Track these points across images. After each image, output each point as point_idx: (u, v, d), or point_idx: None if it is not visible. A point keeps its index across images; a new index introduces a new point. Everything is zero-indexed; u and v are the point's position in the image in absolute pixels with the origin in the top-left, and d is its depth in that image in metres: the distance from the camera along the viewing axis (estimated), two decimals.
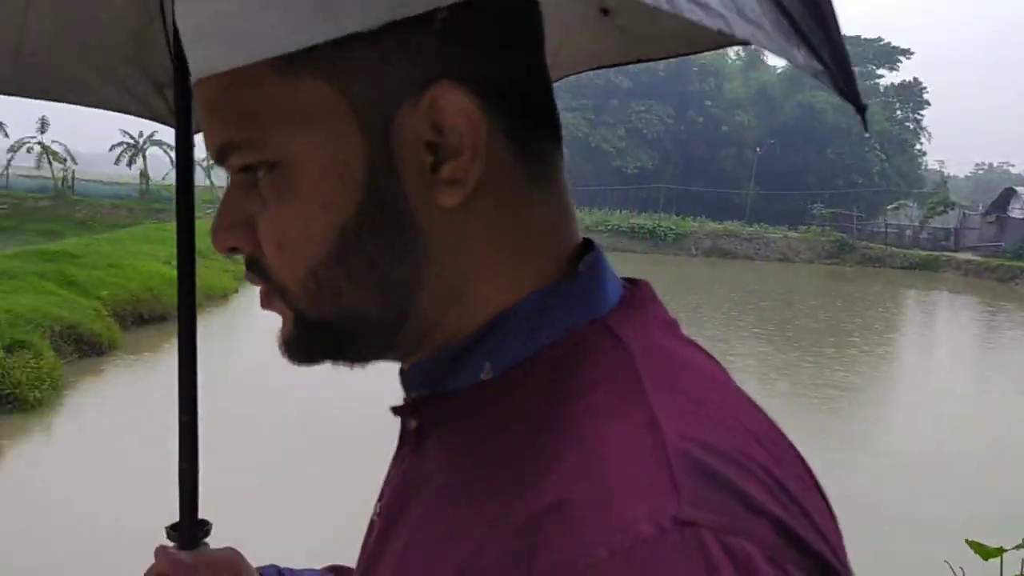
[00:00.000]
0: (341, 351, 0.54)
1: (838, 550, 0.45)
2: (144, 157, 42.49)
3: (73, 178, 40.07)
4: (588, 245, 0.54)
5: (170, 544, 0.81)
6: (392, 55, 0.46)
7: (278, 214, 0.49)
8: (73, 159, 41.64)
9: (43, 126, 41.40)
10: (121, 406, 9.11)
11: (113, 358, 10.78)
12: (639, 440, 0.42)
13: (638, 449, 0.41)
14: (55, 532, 5.58)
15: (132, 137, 43.26)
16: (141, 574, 0.76)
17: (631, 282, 0.54)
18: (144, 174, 40.53)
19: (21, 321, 9.47)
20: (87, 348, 10.47)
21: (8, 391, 8.12)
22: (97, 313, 11.21)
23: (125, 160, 43.24)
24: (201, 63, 0.49)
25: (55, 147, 40.68)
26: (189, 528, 0.79)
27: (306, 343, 0.53)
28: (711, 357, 0.52)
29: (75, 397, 9.10)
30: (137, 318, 12.48)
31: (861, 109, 0.41)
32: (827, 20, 0.40)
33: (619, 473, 0.40)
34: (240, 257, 0.53)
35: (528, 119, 0.51)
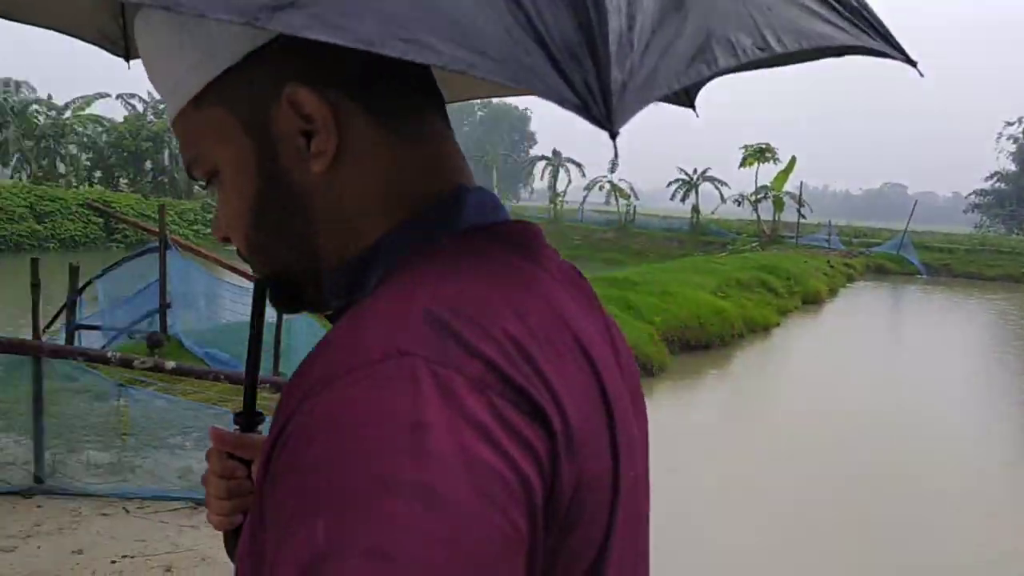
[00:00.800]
0: (299, 299, 0.70)
1: (569, 411, 0.51)
2: (696, 192, 45.45)
3: (634, 212, 44.69)
4: (465, 188, 0.65)
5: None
6: (255, 76, 0.61)
7: (223, 205, 0.68)
8: (635, 195, 46.49)
9: (613, 166, 47.03)
10: (663, 425, 9.72)
11: (661, 380, 11.54)
12: (394, 306, 0.54)
13: (389, 310, 0.54)
14: None
15: (687, 174, 46.63)
16: None
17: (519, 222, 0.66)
18: (695, 208, 43.22)
19: None
20: (641, 369, 11.39)
21: None
22: (650, 337, 12.14)
23: (679, 195, 46.73)
24: (167, 113, 0.67)
25: (621, 184, 45.85)
26: (247, 416, 0.92)
27: (276, 296, 0.71)
28: (562, 279, 0.64)
29: None
30: (684, 344, 13.19)
31: (613, 136, 0.43)
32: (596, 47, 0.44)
33: (369, 325, 0.53)
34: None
35: (378, 93, 0.63)
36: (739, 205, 43.74)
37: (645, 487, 0.69)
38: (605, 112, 0.43)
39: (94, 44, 1.19)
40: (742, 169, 39.28)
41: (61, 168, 43.07)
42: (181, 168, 43.08)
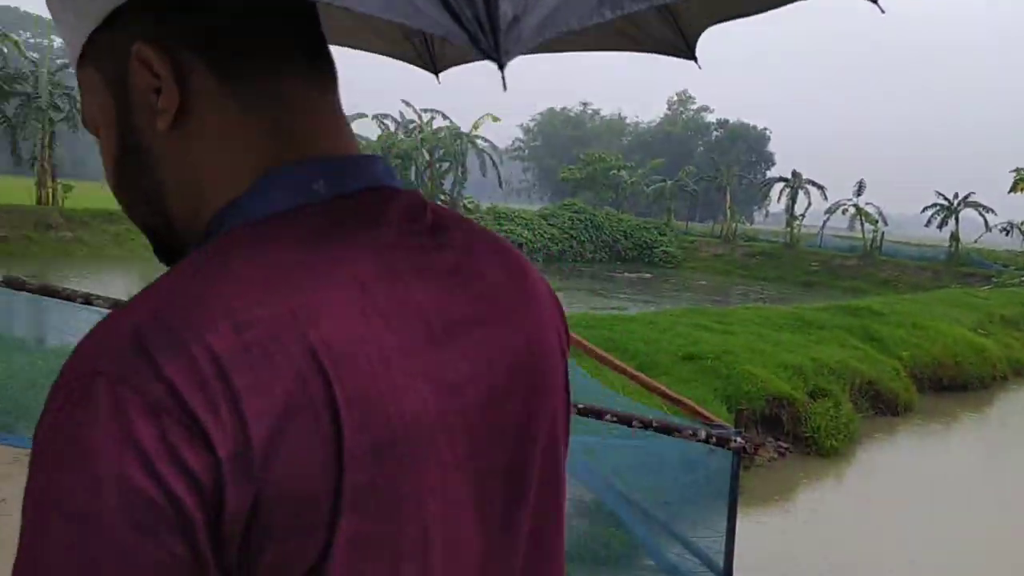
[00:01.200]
0: (164, 253, 0.70)
1: (254, 432, 0.50)
2: (956, 219, 41.41)
3: (882, 239, 41.48)
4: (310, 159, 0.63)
5: None
6: (115, 36, 0.63)
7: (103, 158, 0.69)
8: (884, 220, 43.13)
9: (859, 189, 43.95)
10: (909, 469, 8.90)
11: (907, 420, 10.61)
12: (117, 319, 0.54)
13: (112, 318, 0.55)
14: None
15: (946, 199, 42.60)
16: None
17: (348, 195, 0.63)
18: (955, 236, 39.42)
19: (825, 370, 10.08)
20: (883, 406, 10.56)
21: (808, 434, 8.74)
22: (896, 372, 11.21)
23: (936, 222, 42.77)
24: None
25: (868, 208, 42.75)
26: None
27: (154, 249, 0.71)
28: (400, 256, 0.62)
29: (867, 451, 9.25)
30: (935, 383, 12.07)
31: (500, 66, 0.45)
32: None
33: (90, 335, 0.54)
34: None
35: (225, 52, 0.62)
36: (1007, 234, 39.24)
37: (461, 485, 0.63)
38: (493, 44, 0.45)
39: (409, 63, 1.32)
40: (1012, 194, 35.24)
41: None
42: (425, 184, 46.05)
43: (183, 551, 0.49)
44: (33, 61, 37.31)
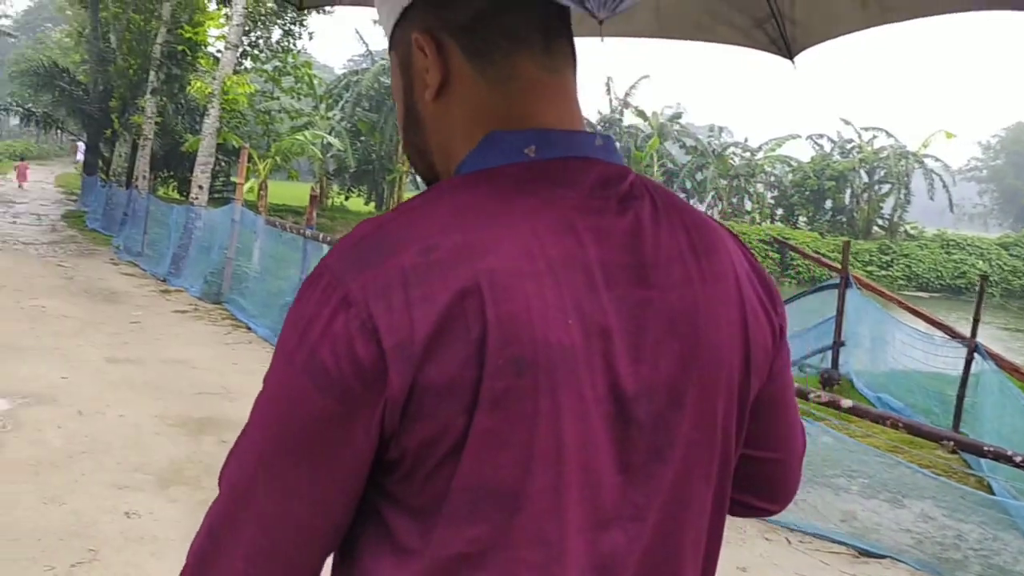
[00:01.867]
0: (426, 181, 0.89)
1: (417, 334, 0.66)
2: None
3: None
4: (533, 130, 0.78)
5: None
6: (405, 27, 0.82)
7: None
8: None
9: None
10: None
11: None
12: (357, 230, 0.75)
13: (352, 233, 0.75)
14: None
15: None
16: None
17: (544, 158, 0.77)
18: None
19: None
20: None
21: None
22: None
23: None
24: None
25: None
26: None
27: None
28: (566, 214, 0.73)
29: None
30: None
31: (600, 21, 0.68)
32: None
33: (340, 240, 0.76)
34: None
35: (483, 39, 0.78)
36: None
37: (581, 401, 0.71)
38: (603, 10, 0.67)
39: (763, 50, 1.43)
40: None
41: (748, 205, 46.75)
42: (861, 207, 42.90)
43: (339, 409, 0.68)
44: None
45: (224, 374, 7.31)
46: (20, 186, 33.73)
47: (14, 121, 46.38)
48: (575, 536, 0.72)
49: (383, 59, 37.65)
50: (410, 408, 0.68)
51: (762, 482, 0.94)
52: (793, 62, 1.44)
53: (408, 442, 0.69)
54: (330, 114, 35.01)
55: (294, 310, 0.72)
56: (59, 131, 29.20)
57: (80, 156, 34.20)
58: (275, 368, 0.73)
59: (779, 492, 0.97)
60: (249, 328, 9.61)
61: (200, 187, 14.57)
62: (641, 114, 44.57)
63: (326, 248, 9.34)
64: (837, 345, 9.63)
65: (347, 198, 38.06)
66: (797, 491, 1.00)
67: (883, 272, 35.72)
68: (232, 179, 30.43)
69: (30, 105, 28.63)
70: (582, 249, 0.72)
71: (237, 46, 15.21)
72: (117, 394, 6.21)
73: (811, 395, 4.97)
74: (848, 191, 44.36)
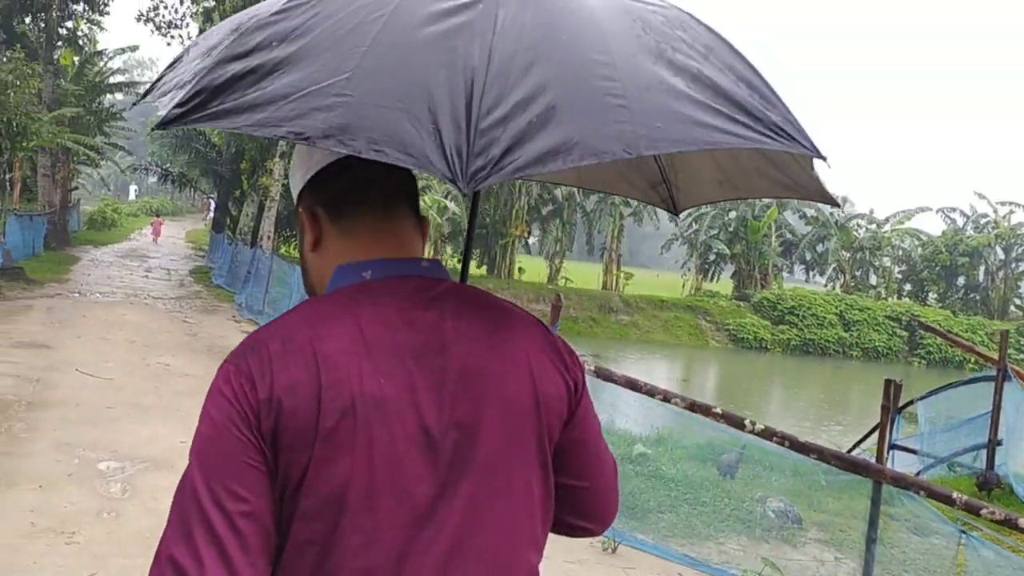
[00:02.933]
0: None
1: (277, 391, 1.00)
2: None
3: None
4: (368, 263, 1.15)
5: None
6: (300, 203, 1.22)
7: None
8: None
9: None
10: None
11: None
12: (253, 334, 1.09)
13: (249, 337, 1.09)
14: None
15: None
16: None
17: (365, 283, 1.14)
18: None
19: None
20: None
21: None
22: None
23: None
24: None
25: None
26: None
27: None
28: (379, 314, 1.08)
29: None
30: None
31: (464, 194, 0.95)
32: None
33: (236, 349, 1.08)
34: None
35: (338, 208, 1.18)
36: None
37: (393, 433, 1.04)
38: (466, 184, 0.89)
39: (657, 206, 1.85)
40: None
41: (872, 279, 44.71)
42: (996, 285, 40.32)
43: (248, 435, 1.00)
44: None
45: None
46: (155, 240, 35.68)
47: (152, 179, 49.32)
48: (389, 530, 1.03)
49: None
50: (275, 443, 1.01)
51: (581, 506, 1.24)
52: (679, 217, 1.96)
53: (279, 468, 1.02)
54: None
55: (208, 396, 1.06)
56: (192, 189, 30.81)
57: (211, 214, 35.89)
58: (200, 427, 1.05)
59: (597, 514, 1.27)
60: None
61: None
62: None
63: None
64: (993, 444, 8.68)
65: (460, 261, 38.56)
66: (615, 516, 1.31)
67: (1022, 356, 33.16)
68: None
69: (167, 165, 30.39)
70: (393, 334, 1.07)
71: None
72: None
73: (983, 511, 4.31)
74: (982, 268, 41.93)
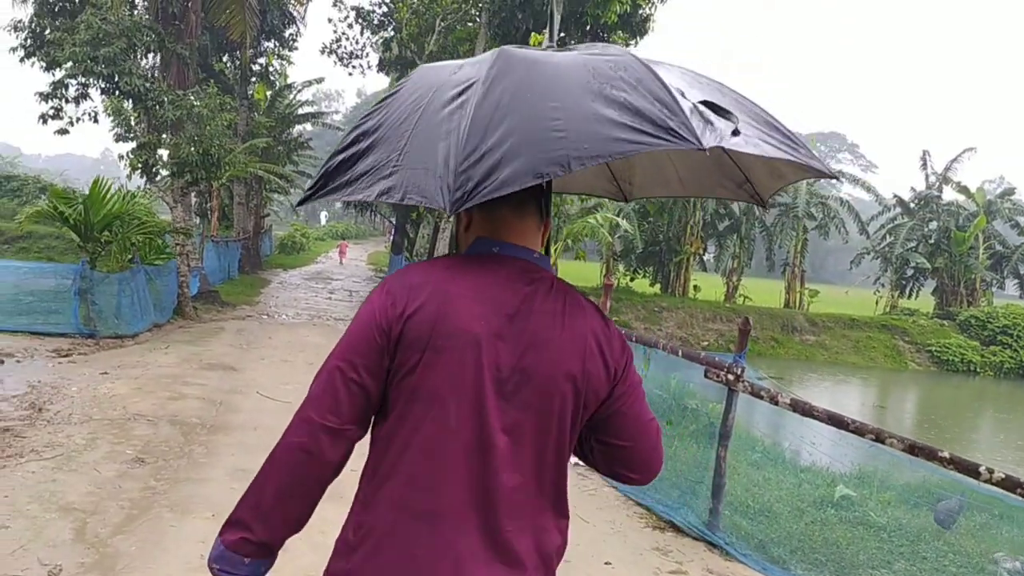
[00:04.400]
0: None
1: (408, 310, 1.54)
2: None
3: None
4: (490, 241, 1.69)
5: None
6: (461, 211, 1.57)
7: None
8: None
9: None
10: None
11: None
12: (404, 269, 1.66)
13: (402, 270, 1.66)
14: None
15: None
16: None
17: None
18: None
19: None
20: None
21: None
22: None
23: None
24: None
25: None
26: None
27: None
28: (494, 278, 1.59)
29: None
30: None
31: (449, 214, 1.47)
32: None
33: (394, 274, 1.68)
34: None
35: (483, 208, 1.62)
36: None
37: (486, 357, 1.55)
38: (449, 208, 1.38)
39: (746, 201, 2.15)
40: None
41: None
42: None
43: (380, 339, 1.54)
44: None
45: None
46: (340, 262, 37.41)
47: (337, 205, 51.76)
48: (460, 420, 1.52)
49: None
50: (399, 345, 1.53)
51: (626, 461, 1.69)
52: (765, 207, 2.21)
53: (395, 362, 1.55)
54: None
55: (363, 305, 1.61)
56: (373, 213, 31.95)
57: (392, 236, 37.22)
58: (354, 327, 1.60)
59: (639, 468, 1.71)
60: None
61: None
62: (964, 190, 39.79)
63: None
64: None
65: (632, 279, 37.66)
66: (658, 471, 1.73)
67: None
68: None
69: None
70: (499, 293, 1.56)
71: None
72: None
73: None
74: None
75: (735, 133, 1.46)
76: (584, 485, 6.76)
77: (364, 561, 1.52)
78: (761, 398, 5.45)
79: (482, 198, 1.38)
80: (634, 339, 7.46)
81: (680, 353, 6.40)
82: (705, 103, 1.48)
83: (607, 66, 1.49)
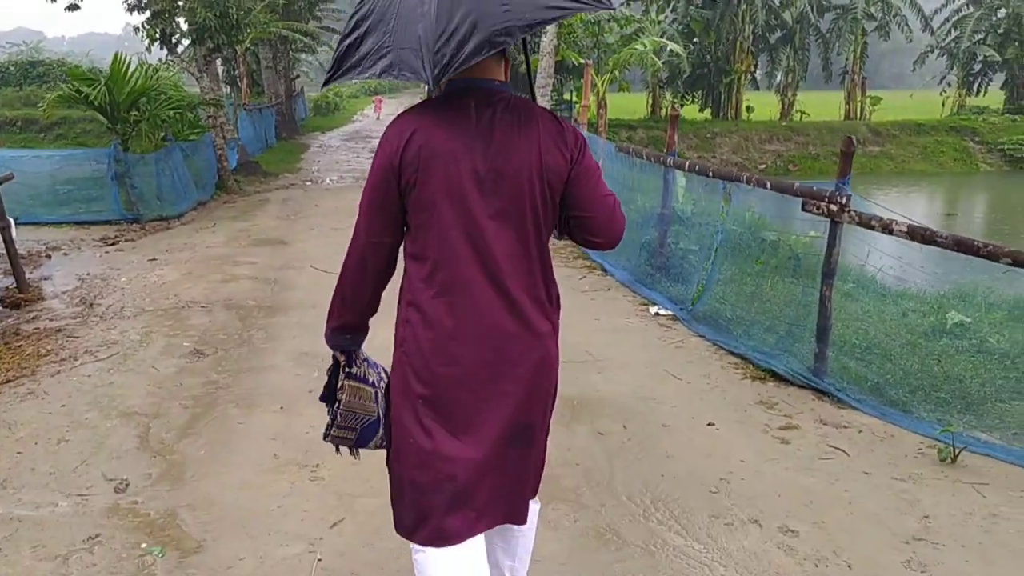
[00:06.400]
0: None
1: (411, 145, 1.98)
2: None
3: None
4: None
5: None
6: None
7: None
8: None
9: None
10: None
11: None
12: (401, 115, 2.11)
13: (398, 117, 2.13)
14: None
15: None
16: None
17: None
18: None
19: None
20: None
21: None
22: None
23: None
24: None
25: None
26: None
27: None
28: (457, 104, 2.04)
29: None
30: None
31: (428, 83, 1.81)
32: None
33: (393, 121, 2.12)
34: None
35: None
36: None
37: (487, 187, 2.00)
38: (431, 81, 1.76)
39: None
40: None
41: None
42: None
43: (389, 174, 2.00)
44: None
45: (587, 334, 6.28)
46: (377, 118, 36.38)
47: None
48: (456, 215, 1.98)
49: None
50: (401, 170, 1.96)
51: (591, 228, 2.12)
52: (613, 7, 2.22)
53: (402, 182, 1.98)
54: (660, 17, 32.84)
55: (375, 152, 2.07)
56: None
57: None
58: (372, 168, 2.05)
59: (602, 233, 2.14)
60: (604, 270, 8.54)
61: None
62: None
63: (682, 178, 7.89)
64: None
65: (682, 106, 35.89)
66: (620, 237, 2.17)
67: None
68: (565, 97, 29.84)
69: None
70: (466, 117, 1.98)
71: None
72: None
73: None
74: None
75: None
76: (668, 336, 6.28)
77: (428, 309, 2.07)
78: (872, 228, 4.77)
79: (455, 71, 1.77)
80: (711, 174, 6.73)
81: (769, 185, 5.67)
82: None
83: None
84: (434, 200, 1.96)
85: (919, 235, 4.49)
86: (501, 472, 2.14)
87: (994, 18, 36.98)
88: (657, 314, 6.88)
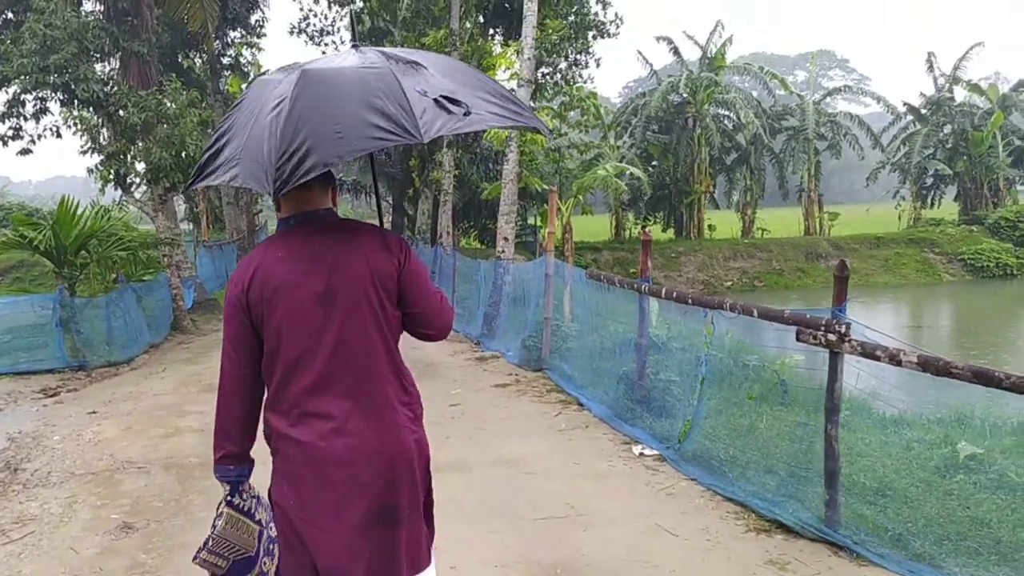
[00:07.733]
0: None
1: (251, 287, 2.33)
2: None
3: None
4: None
5: None
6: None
7: None
8: None
9: None
10: None
11: None
12: (244, 258, 2.48)
13: (243, 260, 2.49)
14: None
15: None
16: None
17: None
18: None
19: None
20: None
21: None
22: None
23: None
24: None
25: None
26: None
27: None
28: (280, 246, 2.37)
29: None
30: None
31: (274, 195, 2.15)
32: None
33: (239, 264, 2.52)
34: None
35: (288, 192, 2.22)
36: None
37: (311, 309, 2.30)
38: (273, 193, 2.11)
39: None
40: None
41: None
42: None
43: (240, 309, 2.34)
44: (799, 95, 38.54)
45: (567, 481, 5.67)
46: None
47: None
48: (304, 338, 2.28)
49: (669, 77, 35.65)
50: (249, 306, 2.31)
51: (420, 321, 2.44)
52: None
53: (251, 316, 2.33)
54: (618, 143, 33.67)
55: (225, 299, 2.46)
56: (367, 196, 30.75)
57: (390, 217, 36.12)
58: (224, 307, 2.44)
59: (432, 326, 2.47)
60: (580, 404, 7.98)
61: (505, 239, 13.53)
62: (976, 88, 37.91)
63: (655, 302, 7.48)
64: None
65: (644, 226, 36.30)
66: (448, 328, 2.53)
67: None
68: (529, 222, 29.98)
69: (341, 176, 30.49)
70: (301, 249, 2.32)
71: (531, 81, 14.00)
72: (447, 528, 4.75)
73: None
74: None
75: (467, 114, 2.21)
76: (657, 481, 5.67)
77: (290, 432, 2.35)
78: (878, 359, 4.32)
79: (292, 185, 2.04)
80: (690, 301, 6.32)
81: (756, 313, 5.24)
82: (444, 96, 2.21)
83: (373, 78, 2.19)
84: (282, 326, 2.29)
85: (932, 366, 4.04)
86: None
87: (941, 133, 38.45)
88: (642, 454, 6.29)
